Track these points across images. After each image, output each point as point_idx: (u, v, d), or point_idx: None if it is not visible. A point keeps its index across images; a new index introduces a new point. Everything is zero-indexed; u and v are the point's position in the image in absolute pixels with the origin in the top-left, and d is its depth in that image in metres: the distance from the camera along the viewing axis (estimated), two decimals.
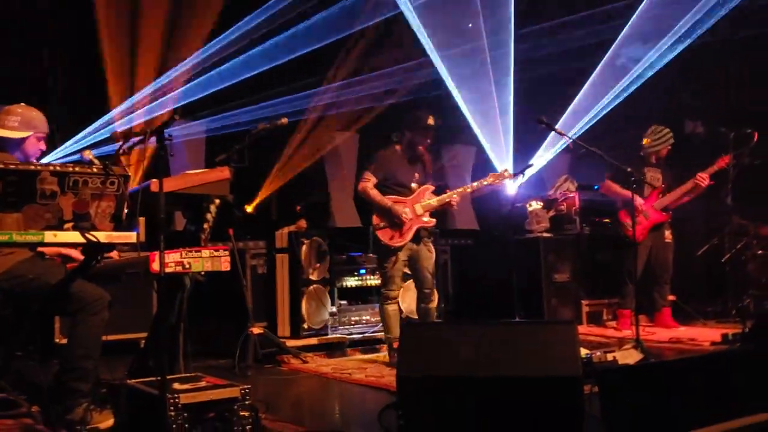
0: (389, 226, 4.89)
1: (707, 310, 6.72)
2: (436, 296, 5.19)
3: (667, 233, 6.30)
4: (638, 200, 6.11)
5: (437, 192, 5.08)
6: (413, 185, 4.99)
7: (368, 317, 6.00)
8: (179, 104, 6.54)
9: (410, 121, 4.99)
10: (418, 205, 4.93)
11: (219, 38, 6.83)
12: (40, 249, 3.45)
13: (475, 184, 5.18)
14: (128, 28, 6.48)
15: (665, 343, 5.55)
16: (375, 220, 4.94)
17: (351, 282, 6.03)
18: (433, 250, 5.05)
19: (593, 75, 7.60)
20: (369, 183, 4.94)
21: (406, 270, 5.13)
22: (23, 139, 3.50)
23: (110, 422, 3.26)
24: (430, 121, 4.92)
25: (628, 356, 4.15)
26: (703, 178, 6.05)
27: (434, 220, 5.02)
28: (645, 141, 6.32)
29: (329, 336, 5.74)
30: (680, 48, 7.19)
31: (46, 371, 3.48)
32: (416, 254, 4.96)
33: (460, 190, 5.08)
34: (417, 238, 4.95)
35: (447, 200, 4.95)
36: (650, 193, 6.25)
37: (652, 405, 2.84)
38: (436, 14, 7.33)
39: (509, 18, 7.35)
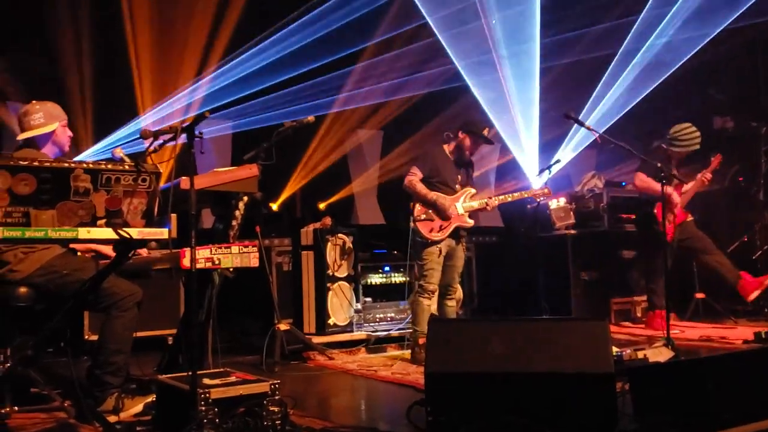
0: (431, 219, 4.99)
1: (737, 309, 6.60)
2: (459, 294, 5.26)
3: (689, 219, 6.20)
4: (676, 197, 6.02)
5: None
6: (457, 186, 5.11)
7: (393, 314, 6.00)
8: (209, 106, 6.61)
9: (467, 126, 5.09)
10: (460, 205, 5.04)
11: (248, 42, 6.88)
12: (72, 246, 3.51)
13: (516, 194, 5.28)
14: (157, 24, 6.55)
15: (695, 341, 5.47)
16: (417, 211, 5.02)
17: (376, 279, 6.04)
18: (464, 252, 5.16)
19: (617, 68, 7.52)
20: (415, 177, 5.03)
21: None
22: (53, 132, 3.60)
23: (140, 407, 3.31)
24: (486, 131, 5.07)
25: (659, 354, 4.10)
26: (708, 178, 6.02)
27: (473, 221, 5.14)
28: (672, 130, 6.07)
29: (354, 333, 5.75)
30: (706, 42, 7.09)
31: (77, 367, 3.53)
32: (452, 252, 5.06)
33: (501, 197, 5.21)
34: (456, 236, 5.05)
35: (486, 204, 5.07)
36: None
37: (683, 402, 2.81)
38: (460, 10, 7.30)
39: (535, 12, 7.30)
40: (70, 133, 3.72)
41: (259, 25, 6.94)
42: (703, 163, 6.22)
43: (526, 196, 5.27)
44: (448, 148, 5.16)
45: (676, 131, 6.07)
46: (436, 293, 5.07)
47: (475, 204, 5.06)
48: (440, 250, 4.97)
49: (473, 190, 5.15)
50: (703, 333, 5.73)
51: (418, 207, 5.03)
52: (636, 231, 6.69)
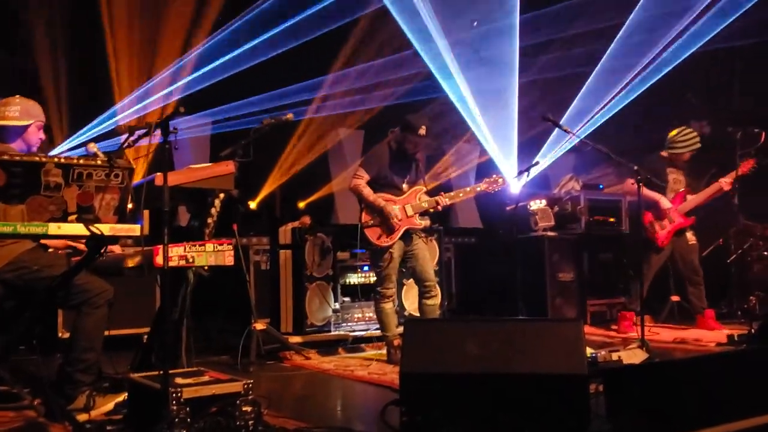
0: (378, 224, 4.91)
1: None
2: (438, 292, 5.20)
3: (689, 235, 6.20)
4: (666, 203, 6.06)
5: (432, 192, 5.08)
6: (404, 185, 5.01)
7: (371, 314, 5.97)
8: (184, 96, 6.55)
9: (404, 124, 4.94)
10: (409, 206, 4.96)
11: (222, 30, 6.83)
12: (44, 242, 3.46)
13: (468, 189, 5.19)
14: (133, 21, 6.48)
15: (670, 343, 5.52)
16: (364, 217, 4.95)
17: (354, 279, 6.01)
18: (435, 246, 5.05)
19: (597, 74, 7.59)
20: (362, 180, 4.93)
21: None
22: (24, 128, 3.55)
23: (111, 406, 3.27)
24: (422, 131, 4.87)
25: (633, 356, 4.13)
26: (727, 183, 5.99)
27: (427, 220, 5.04)
28: (672, 133, 6.13)
29: (332, 333, 5.72)
30: (687, 50, 7.17)
31: (49, 365, 3.48)
32: (410, 252, 4.99)
33: (452, 194, 5.10)
34: (407, 238, 4.98)
35: (436, 204, 4.95)
36: (675, 197, 6.16)
37: (657, 404, 2.83)
38: (440, 10, 7.31)
39: (515, 14, 7.33)
40: (42, 136, 3.67)
41: (238, 16, 6.90)
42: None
43: (479, 190, 5.14)
44: (392, 147, 5.03)
45: (673, 135, 6.14)
46: (395, 294, 5.07)
47: (425, 204, 4.96)
48: (391, 255, 4.90)
49: (423, 188, 5.04)
50: (678, 335, 5.79)
51: (364, 213, 4.94)
52: (612, 234, 6.76)
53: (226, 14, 6.89)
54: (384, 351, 5.26)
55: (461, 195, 5.16)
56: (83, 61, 6.46)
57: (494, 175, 5.19)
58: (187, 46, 6.76)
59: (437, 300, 5.14)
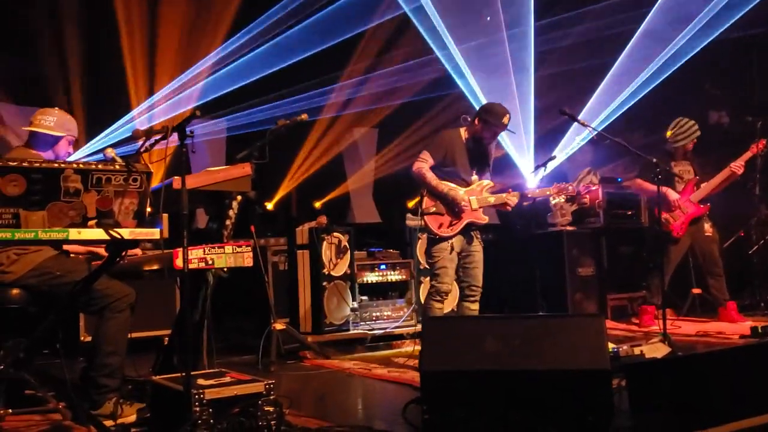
0: (440, 213, 4.48)
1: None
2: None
3: (707, 226, 6.15)
4: (673, 194, 6.01)
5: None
6: (473, 177, 4.58)
7: (389, 313, 5.98)
8: (200, 102, 6.59)
9: (486, 112, 4.49)
10: (474, 199, 4.51)
11: (237, 35, 6.86)
12: (66, 247, 3.50)
13: (537, 191, 4.77)
14: (148, 27, 6.52)
15: (693, 336, 5.46)
16: (426, 203, 4.51)
17: (372, 278, 6.02)
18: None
19: (615, 66, 7.53)
20: (425, 164, 4.49)
21: None
22: (57, 139, 3.63)
23: (134, 417, 3.30)
24: (506, 120, 4.47)
25: (656, 350, 4.09)
26: (738, 167, 5.96)
27: (487, 218, 4.61)
28: (668, 134, 6.20)
29: (350, 332, 5.73)
30: (704, 40, 7.09)
31: (72, 368, 3.51)
32: (470, 253, 4.56)
33: (517, 193, 4.60)
34: (467, 233, 4.54)
35: (505, 200, 4.53)
36: (685, 187, 6.12)
37: (680, 399, 2.80)
38: (455, 7, 7.28)
39: (529, 9, 7.28)
40: (71, 151, 3.75)
41: (255, 18, 6.92)
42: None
43: (548, 194, 4.72)
44: (464, 135, 4.60)
45: (672, 127, 6.15)
46: (450, 295, 4.63)
47: (492, 199, 4.52)
48: (452, 246, 4.45)
49: (491, 183, 4.60)
50: (700, 328, 5.73)
51: (426, 198, 4.50)
52: (631, 227, 6.71)
53: (242, 17, 6.92)
54: (403, 349, 5.25)
55: (529, 195, 4.70)
56: (99, 67, 6.51)
57: (568, 185, 4.76)
58: (201, 51, 6.80)
59: (477, 304, 4.65)
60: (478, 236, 4.62)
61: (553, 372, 2.81)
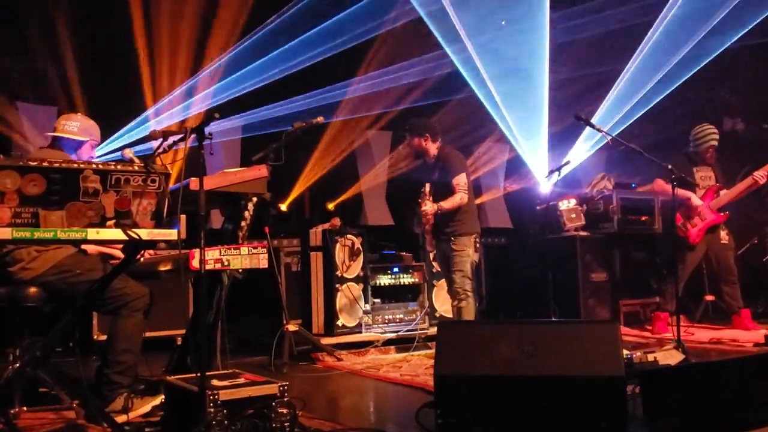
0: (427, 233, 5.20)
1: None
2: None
3: (723, 234, 6.11)
4: (697, 200, 5.98)
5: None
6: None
7: (402, 315, 5.98)
8: (216, 102, 6.62)
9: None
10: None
11: (251, 36, 6.88)
12: (84, 246, 3.53)
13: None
14: (164, 27, 6.56)
15: (706, 343, 5.43)
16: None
17: (385, 280, 6.02)
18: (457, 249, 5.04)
19: (630, 71, 7.49)
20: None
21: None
22: (80, 143, 3.71)
23: (148, 408, 3.32)
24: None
25: (669, 357, 4.07)
26: (762, 176, 5.90)
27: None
28: (691, 136, 6.16)
29: (363, 334, 5.74)
30: (719, 46, 7.06)
31: (86, 367, 3.53)
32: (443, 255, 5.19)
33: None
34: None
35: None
36: (705, 193, 6.07)
37: (694, 406, 2.79)
38: (469, 10, 7.27)
39: (544, 12, 7.26)
40: (94, 155, 3.83)
41: (271, 17, 6.93)
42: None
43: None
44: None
45: (693, 133, 6.16)
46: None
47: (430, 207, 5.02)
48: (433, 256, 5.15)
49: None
50: (713, 335, 5.69)
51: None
52: (645, 233, 6.67)
53: (257, 18, 6.94)
54: (416, 352, 5.24)
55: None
56: (115, 67, 6.55)
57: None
58: (219, 49, 6.83)
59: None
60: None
61: (567, 378, 2.80)
